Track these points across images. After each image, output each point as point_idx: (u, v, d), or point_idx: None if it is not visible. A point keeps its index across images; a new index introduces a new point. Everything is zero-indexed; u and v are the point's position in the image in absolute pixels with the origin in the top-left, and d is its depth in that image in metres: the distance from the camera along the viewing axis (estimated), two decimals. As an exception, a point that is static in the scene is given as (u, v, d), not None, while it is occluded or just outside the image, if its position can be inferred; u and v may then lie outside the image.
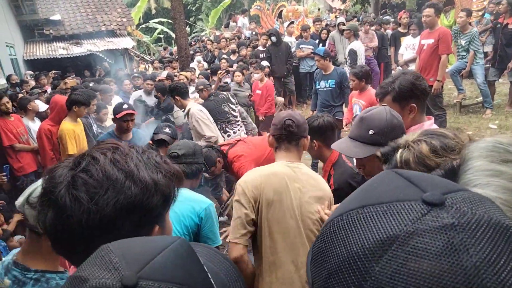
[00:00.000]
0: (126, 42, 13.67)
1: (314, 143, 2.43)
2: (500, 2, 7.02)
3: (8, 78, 7.83)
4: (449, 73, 6.52)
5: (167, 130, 3.86)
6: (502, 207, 0.55)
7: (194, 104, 4.54)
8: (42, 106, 5.63)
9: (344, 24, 8.95)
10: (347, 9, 15.61)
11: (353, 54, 7.22)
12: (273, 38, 7.94)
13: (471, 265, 0.36)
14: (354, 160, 2.38)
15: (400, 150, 1.14)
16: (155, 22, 22.95)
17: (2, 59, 8.52)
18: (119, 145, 0.80)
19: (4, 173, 4.38)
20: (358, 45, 7.28)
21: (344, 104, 5.52)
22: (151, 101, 6.33)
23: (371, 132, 1.65)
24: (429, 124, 1.91)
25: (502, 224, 0.39)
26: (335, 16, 12.63)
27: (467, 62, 6.20)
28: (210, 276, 0.58)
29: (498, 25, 6.41)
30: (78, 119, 4.32)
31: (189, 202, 1.99)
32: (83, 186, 0.71)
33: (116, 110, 3.76)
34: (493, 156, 0.63)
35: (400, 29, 8.07)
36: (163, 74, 7.09)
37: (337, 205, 1.06)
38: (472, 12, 6.35)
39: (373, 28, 8.73)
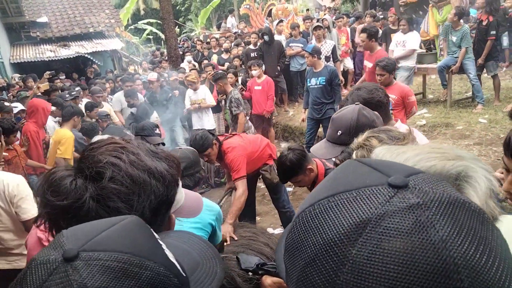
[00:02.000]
0: (115, 44, 13.55)
1: (308, 171, 2.47)
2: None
3: (-6, 82, 7.70)
4: (437, 68, 6.56)
5: (157, 131, 3.83)
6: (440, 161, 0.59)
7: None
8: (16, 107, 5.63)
9: (327, 21, 8.97)
10: (337, 7, 15.65)
11: (335, 49, 7.32)
12: (266, 37, 7.93)
13: (439, 239, 0.39)
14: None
15: (355, 152, 1.26)
16: (144, 23, 22.83)
17: (-13, 62, 8.38)
18: (121, 143, 0.77)
19: None
20: (332, 42, 7.54)
21: (335, 101, 5.52)
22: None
23: (339, 132, 1.69)
24: (398, 126, 1.92)
25: (459, 200, 0.43)
26: (324, 14, 12.65)
27: (457, 57, 6.24)
28: (172, 252, 0.59)
29: (478, 21, 6.52)
30: None
31: (207, 209, 2.01)
32: (116, 196, 0.69)
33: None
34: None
35: (391, 26, 8.09)
36: (151, 75, 7.04)
37: None
38: (464, 11, 6.42)
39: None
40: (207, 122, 6.49)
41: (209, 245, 0.74)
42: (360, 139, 1.26)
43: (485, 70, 6.43)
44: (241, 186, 3.38)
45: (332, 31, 8.31)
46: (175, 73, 7.50)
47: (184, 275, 0.59)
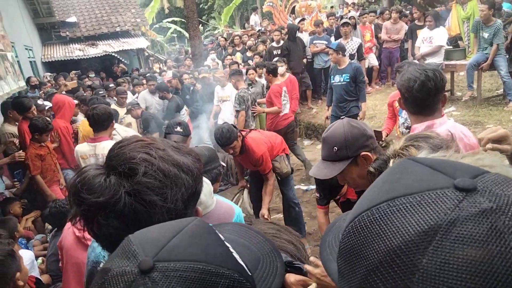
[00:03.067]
0: (141, 42, 13.81)
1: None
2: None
3: (28, 80, 8.00)
4: (467, 66, 6.37)
5: (178, 128, 3.87)
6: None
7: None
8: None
9: (354, 18, 8.86)
10: (361, 3, 15.40)
11: (361, 47, 7.29)
12: (298, 32, 8.06)
13: None
14: None
15: (391, 160, 1.16)
16: (168, 22, 23.13)
17: (21, 61, 8.69)
18: (148, 140, 0.80)
19: (17, 179, 4.56)
20: (359, 40, 7.54)
21: (359, 99, 5.45)
22: (153, 100, 6.61)
23: (335, 149, 1.67)
24: (442, 122, 1.76)
25: None
26: (349, 11, 12.48)
27: (487, 54, 6.04)
28: (234, 249, 0.59)
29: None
30: None
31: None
32: (150, 190, 0.71)
33: None
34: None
35: (417, 22, 7.91)
36: (168, 74, 7.23)
37: None
38: (495, 3, 6.17)
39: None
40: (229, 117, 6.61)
41: (265, 238, 0.74)
42: (397, 146, 1.17)
43: None
44: (271, 178, 3.83)
45: (356, 28, 8.21)
46: (204, 69, 7.64)
47: (250, 273, 0.59)
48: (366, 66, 8.54)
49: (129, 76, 9.86)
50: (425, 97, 1.74)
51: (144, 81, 7.20)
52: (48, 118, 4.54)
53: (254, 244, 0.70)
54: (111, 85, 7.24)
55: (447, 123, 1.80)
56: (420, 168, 0.47)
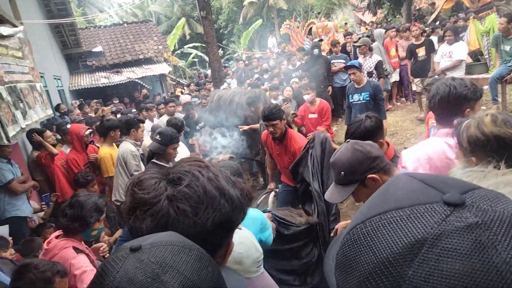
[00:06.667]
0: (163, 68, 14.25)
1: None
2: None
3: (57, 108, 8.37)
4: (490, 79, 6.23)
5: (157, 137, 3.62)
6: None
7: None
8: None
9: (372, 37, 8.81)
10: (379, 21, 15.45)
11: (380, 65, 7.19)
12: (316, 51, 8.15)
13: (502, 262, 0.37)
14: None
15: None
16: (189, 47, 23.82)
17: (50, 91, 9.10)
18: (206, 163, 0.89)
19: (44, 202, 4.62)
20: (378, 57, 7.36)
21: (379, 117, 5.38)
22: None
23: (342, 174, 1.68)
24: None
25: None
26: (366, 29, 12.52)
27: (510, 66, 5.90)
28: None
29: None
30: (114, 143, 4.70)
31: (251, 222, 1.99)
32: (186, 201, 0.78)
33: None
34: None
35: (414, 42, 7.62)
36: (184, 98, 7.28)
37: None
38: None
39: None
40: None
41: None
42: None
43: None
44: None
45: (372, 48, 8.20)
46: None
47: None
48: (392, 81, 8.34)
49: (151, 101, 10.16)
50: (449, 105, 1.83)
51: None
52: (87, 171, 4.52)
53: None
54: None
55: None
56: (413, 182, 0.48)
